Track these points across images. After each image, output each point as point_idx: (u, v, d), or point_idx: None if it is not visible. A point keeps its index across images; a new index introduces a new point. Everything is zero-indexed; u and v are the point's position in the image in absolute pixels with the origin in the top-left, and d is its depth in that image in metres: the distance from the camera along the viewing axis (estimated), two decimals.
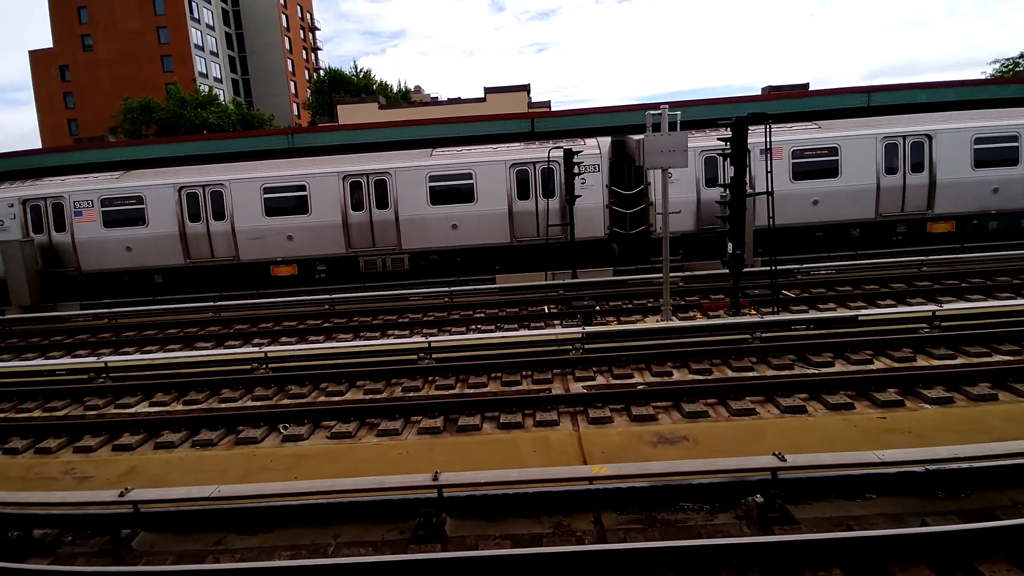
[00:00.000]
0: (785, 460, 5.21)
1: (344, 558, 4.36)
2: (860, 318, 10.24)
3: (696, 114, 17.18)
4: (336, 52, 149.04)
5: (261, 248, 17.62)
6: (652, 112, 10.40)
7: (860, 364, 8.78)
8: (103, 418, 8.44)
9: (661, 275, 11.67)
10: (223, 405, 8.79)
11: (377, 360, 10.06)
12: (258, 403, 8.79)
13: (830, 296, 13.14)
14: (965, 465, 5.28)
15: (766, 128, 10.84)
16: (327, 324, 13.80)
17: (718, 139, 11.10)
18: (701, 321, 10.95)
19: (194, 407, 8.73)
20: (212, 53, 75.71)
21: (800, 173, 16.97)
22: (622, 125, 18.93)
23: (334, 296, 15.49)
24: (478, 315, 13.71)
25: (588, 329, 10.55)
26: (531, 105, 27.01)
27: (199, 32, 72.81)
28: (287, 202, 17.48)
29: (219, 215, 17.52)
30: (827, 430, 6.72)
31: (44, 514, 5.12)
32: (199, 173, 17.96)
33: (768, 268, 11.52)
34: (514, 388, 8.75)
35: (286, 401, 8.79)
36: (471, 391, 8.73)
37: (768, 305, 11.71)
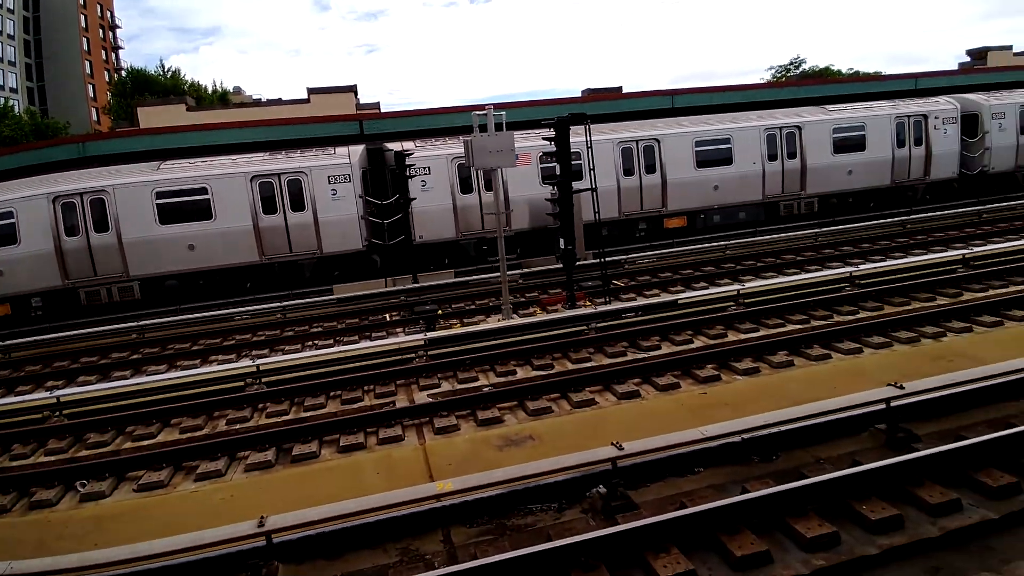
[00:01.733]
0: (623, 448, 5.37)
1: None
2: (679, 301, 11.14)
3: (526, 115, 17.70)
4: (143, 51, 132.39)
5: None
6: (478, 113, 10.38)
7: (683, 344, 9.53)
8: None
9: (499, 274, 11.75)
10: (14, 464, 7.24)
11: (196, 392, 8.89)
12: (52, 458, 7.34)
13: (654, 282, 14.22)
14: (774, 430, 5.84)
15: (586, 128, 11.32)
16: (136, 356, 12.01)
17: (543, 138, 11.43)
18: (540, 316, 11.20)
19: None
20: (10, 63, 65.67)
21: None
22: (455, 127, 18.95)
23: (143, 323, 13.57)
24: (315, 330, 12.81)
25: (431, 335, 10.30)
26: (359, 107, 26.04)
27: None
28: None
29: None
30: (659, 412, 7.13)
31: None
32: None
33: (599, 260, 12.13)
34: (355, 406, 8.22)
35: (84, 453, 7.41)
36: (307, 415, 8.04)
37: (601, 296, 12.33)
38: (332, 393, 8.62)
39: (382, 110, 25.87)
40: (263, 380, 9.15)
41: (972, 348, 8.15)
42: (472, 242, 17.51)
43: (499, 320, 11.42)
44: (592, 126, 11.43)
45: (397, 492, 4.92)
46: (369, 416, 7.44)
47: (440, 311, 13.08)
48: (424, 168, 16.58)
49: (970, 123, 21.45)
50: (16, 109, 55.13)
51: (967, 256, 12.80)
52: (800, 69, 51.32)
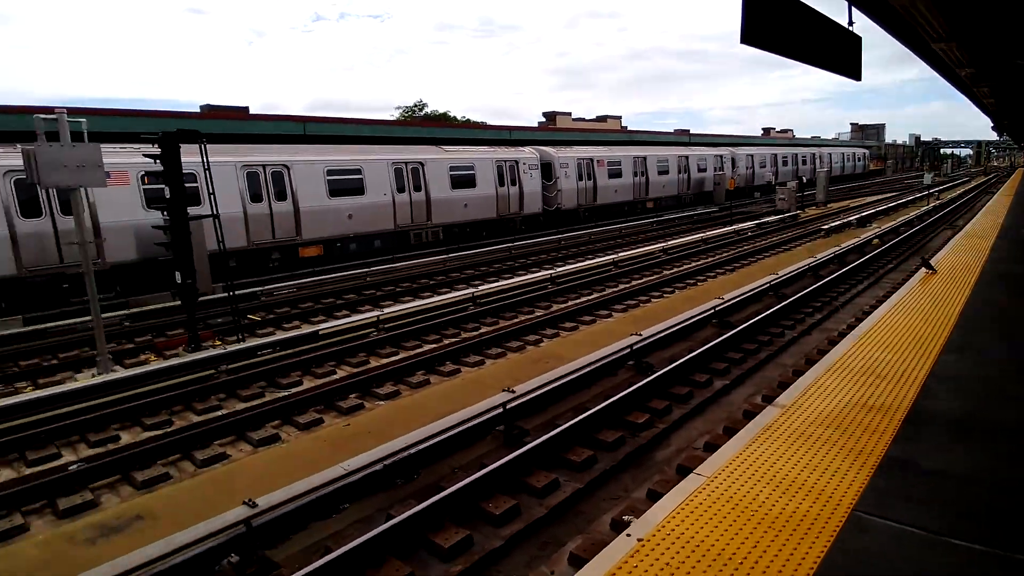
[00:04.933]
0: (256, 505, 4.77)
1: None
2: (321, 332, 10.79)
3: (125, 125, 14.92)
4: None
5: None
6: (44, 117, 8.19)
7: (325, 377, 9.20)
8: None
9: (89, 318, 9.44)
10: None
11: None
12: None
13: (295, 314, 13.51)
14: (413, 451, 6.00)
15: (201, 147, 10.08)
16: None
17: (144, 155, 9.72)
18: (154, 365, 9.39)
19: None
20: None
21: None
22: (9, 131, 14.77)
23: None
24: None
25: None
26: None
27: None
28: None
29: None
30: (300, 453, 6.61)
31: None
32: None
33: (228, 293, 10.88)
34: None
35: None
36: None
37: (233, 333, 11.07)
38: None
39: None
40: None
41: (560, 350, 10.00)
42: (41, 281, 13.65)
43: (93, 375, 9.13)
44: (215, 147, 10.24)
45: None
46: None
47: None
48: None
49: (547, 170, 27.14)
50: None
51: (553, 275, 15.87)
52: (423, 111, 56.77)
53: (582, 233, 26.06)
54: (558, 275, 15.96)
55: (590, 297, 14.23)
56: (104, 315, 9.97)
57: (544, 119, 42.64)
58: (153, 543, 4.40)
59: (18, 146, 13.23)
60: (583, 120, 44.90)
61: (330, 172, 18.72)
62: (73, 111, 9.45)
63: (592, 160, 29.41)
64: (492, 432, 6.87)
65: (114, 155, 13.63)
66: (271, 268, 17.56)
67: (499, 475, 5.61)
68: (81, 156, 8.45)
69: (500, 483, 5.58)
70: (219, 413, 8.02)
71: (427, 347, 10.61)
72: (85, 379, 8.84)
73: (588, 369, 8.14)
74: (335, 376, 9.22)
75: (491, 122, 51.66)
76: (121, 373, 9.03)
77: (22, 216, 13.15)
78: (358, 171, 19.48)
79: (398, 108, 59.22)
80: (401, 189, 20.73)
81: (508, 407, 6.82)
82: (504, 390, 6.97)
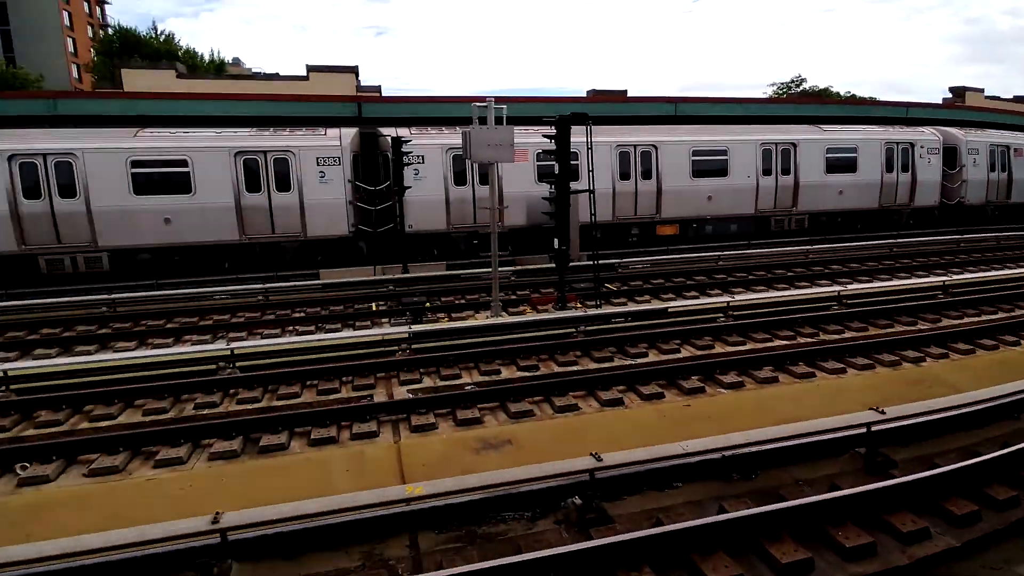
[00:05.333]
0: (601, 460, 5.21)
1: None
2: (669, 310, 11.00)
3: (527, 111, 17.50)
4: (137, 9, 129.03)
5: None
6: (478, 104, 10.16)
7: (670, 353, 9.38)
8: None
9: (491, 269, 11.55)
10: None
11: (164, 373, 8.60)
12: None
13: (646, 288, 14.08)
14: (755, 449, 5.70)
15: (587, 129, 11.14)
16: (103, 331, 11.63)
17: (543, 136, 11.24)
18: (529, 316, 11.01)
19: None
20: None
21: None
22: (453, 117, 18.72)
23: (115, 296, 13.17)
24: (297, 315, 12.52)
25: (415, 328, 10.05)
26: (360, 89, 25.55)
27: None
28: None
29: None
30: (641, 422, 6.97)
31: None
32: None
33: (592, 263, 11.96)
34: (331, 397, 7.97)
35: (31, 432, 7.09)
36: (280, 404, 7.78)
37: (592, 299, 12.17)
38: (308, 382, 8.36)
39: (383, 94, 25.35)
40: (237, 364, 8.88)
41: (948, 374, 8.12)
42: (463, 235, 17.30)
43: (487, 317, 11.22)
44: (593, 127, 11.26)
45: (363, 494, 4.71)
46: (343, 410, 7.19)
47: (428, 304, 12.85)
48: (419, 157, 16.34)
49: (950, 155, 21.88)
50: None
51: (947, 283, 12.82)
52: (800, 88, 51.48)
53: (988, 236, 20.32)
54: (953, 283, 12.85)
55: (995, 316, 11.08)
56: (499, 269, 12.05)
57: (950, 95, 34.26)
58: (524, 466, 5.21)
59: (457, 128, 16.78)
60: (997, 99, 34.99)
61: (695, 152, 18.64)
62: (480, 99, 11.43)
63: (1009, 148, 22.77)
64: (849, 452, 6.05)
65: (519, 136, 16.24)
66: (630, 243, 18.60)
67: (854, 503, 4.91)
68: (500, 137, 10.27)
69: (855, 513, 4.88)
70: (574, 368, 8.98)
71: (778, 342, 9.83)
72: (481, 319, 10.95)
73: (985, 406, 6.46)
74: (679, 355, 9.32)
75: (881, 98, 43.49)
76: (506, 319, 10.86)
77: (455, 184, 16.80)
78: (723, 152, 18.92)
79: (771, 85, 54.92)
80: (767, 172, 19.36)
81: (873, 428, 5.88)
82: (871, 408, 6.02)
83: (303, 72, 24.87)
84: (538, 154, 16.78)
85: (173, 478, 5.87)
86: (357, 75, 25.91)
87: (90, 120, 16.89)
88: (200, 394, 7.94)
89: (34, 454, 6.22)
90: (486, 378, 8.62)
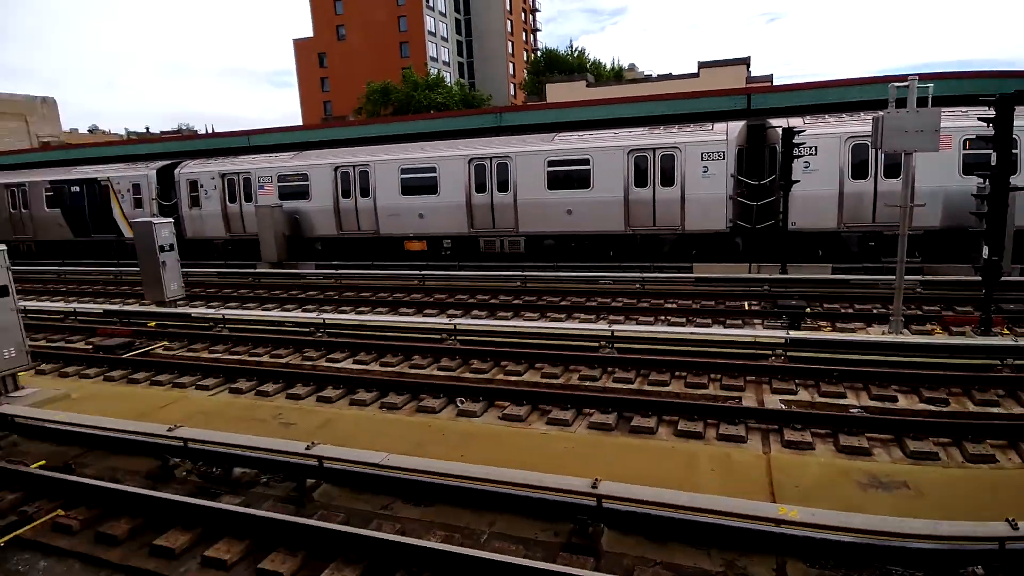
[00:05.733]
0: (1017, 529, 4.00)
1: (496, 554, 4.28)
2: None
3: (950, 89, 14.06)
4: (557, 32, 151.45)
5: (398, 224, 19.11)
6: (897, 84, 8.59)
7: None
8: (315, 369, 9.63)
9: (893, 277, 9.76)
10: (412, 371, 9.41)
11: (558, 344, 9.98)
12: (442, 374, 9.24)
13: None
14: None
15: None
16: (517, 301, 14.14)
17: (978, 119, 8.84)
18: (939, 338, 8.95)
19: (388, 369, 9.51)
20: (442, 38, 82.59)
21: None
22: (852, 101, 16.32)
23: (527, 274, 15.85)
24: (669, 305, 12.92)
25: (794, 334, 9.24)
26: (750, 80, 24.46)
27: (432, 19, 79.85)
28: (420, 183, 18.64)
29: (364, 192, 19.33)
30: None
31: (245, 455, 5.89)
32: (351, 155, 19.93)
33: None
34: (699, 392, 8.02)
35: (467, 375, 9.13)
36: (650, 388, 8.20)
37: None
38: (677, 373, 8.58)
39: (774, 83, 23.80)
40: (615, 346, 9.68)
41: None
42: (856, 236, 15.05)
43: (884, 332, 9.58)
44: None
45: (731, 500, 4.60)
46: (712, 407, 7.14)
47: (808, 309, 11.68)
48: (811, 148, 14.80)
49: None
50: (447, 80, 68.95)
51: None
52: None
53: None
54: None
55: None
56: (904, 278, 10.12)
57: None
58: (923, 520, 4.34)
59: (861, 114, 14.70)
60: None
61: None
62: (889, 78, 9.44)
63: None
64: None
65: (942, 120, 13.20)
66: None
67: None
68: (922, 121, 8.53)
69: None
70: (995, 410, 6.99)
71: None
72: (875, 335, 9.38)
73: None
74: None
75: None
76: (909, 338, 9.07)
77: (852, 178, 14.77)
78: None
79: None
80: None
81: None
82: None
83: (694, 69, 25.13)
84: (965, 141, 13.28)
85: (560, 436, 6.81)
86: (748, 66, 24.92)
87: (522, 129, 20.51)
88: (584, 367, 8.95)
89: (468, 393, 8.02)
90: (877, 404, 7.40)
